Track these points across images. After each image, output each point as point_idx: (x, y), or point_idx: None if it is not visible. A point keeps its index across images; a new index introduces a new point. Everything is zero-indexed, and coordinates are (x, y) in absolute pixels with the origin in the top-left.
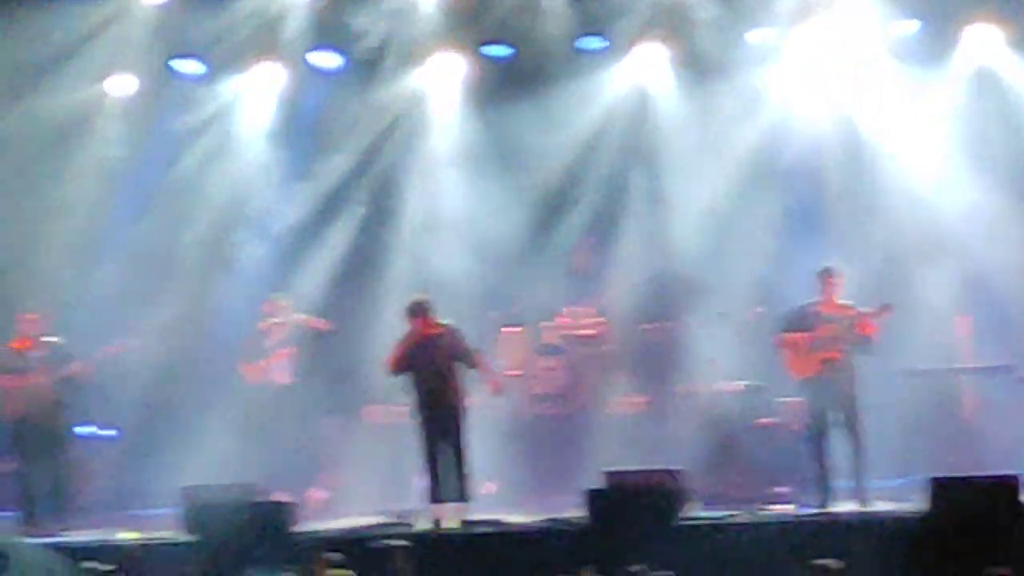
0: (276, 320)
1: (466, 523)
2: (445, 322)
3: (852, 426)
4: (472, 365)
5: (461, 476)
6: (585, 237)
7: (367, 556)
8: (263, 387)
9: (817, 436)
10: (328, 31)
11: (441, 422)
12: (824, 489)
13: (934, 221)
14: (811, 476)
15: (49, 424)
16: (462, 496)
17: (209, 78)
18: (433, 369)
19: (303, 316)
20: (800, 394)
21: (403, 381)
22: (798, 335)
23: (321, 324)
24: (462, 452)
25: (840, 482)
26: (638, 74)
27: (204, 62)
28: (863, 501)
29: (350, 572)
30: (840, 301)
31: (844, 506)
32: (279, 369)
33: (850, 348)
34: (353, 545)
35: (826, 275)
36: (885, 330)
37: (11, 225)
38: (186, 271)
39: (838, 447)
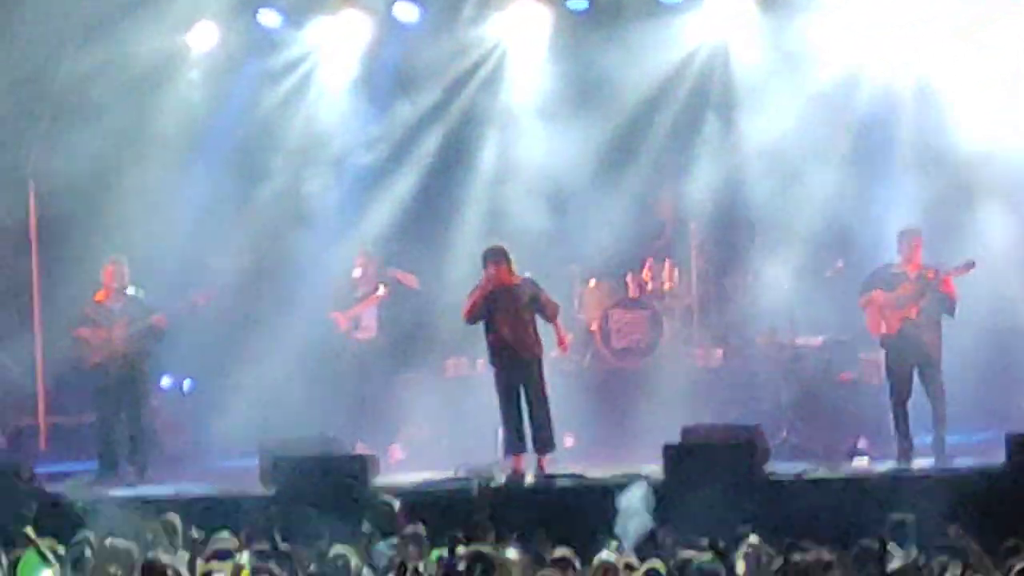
0: (367, 270)
1: (544, 476)
2: (523, 274)
3: (931, 383)
4: (550, 318)
5: (540, 427)
6: (667, 186)
7: (445, 509)
8: (346, 339)
9: (897, 392)
10: None
11: (519, 372)
12: (904, 444)
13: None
14: (891, 431)
15: (129, 375)
16: (542, 447)
17: (291, 27)
18: (511, 318)
19: (395, 271)
20: (881, 350)
21: (480, 329)
22: (880, 293)
23: (411, 280)
24: (541, 403)
25: (919, 437)
26: (715, 20)
27: (283, 12)
28: (941, 456)
29: None
30: (922, 262)
31: (922, 461)
32: (368, 319)
33: (931, 306)
34: (431, 498)
35: (908, 236)
36: (967, 287)
37: (94, 174)
38: (265, 219)
39: (918, 403)
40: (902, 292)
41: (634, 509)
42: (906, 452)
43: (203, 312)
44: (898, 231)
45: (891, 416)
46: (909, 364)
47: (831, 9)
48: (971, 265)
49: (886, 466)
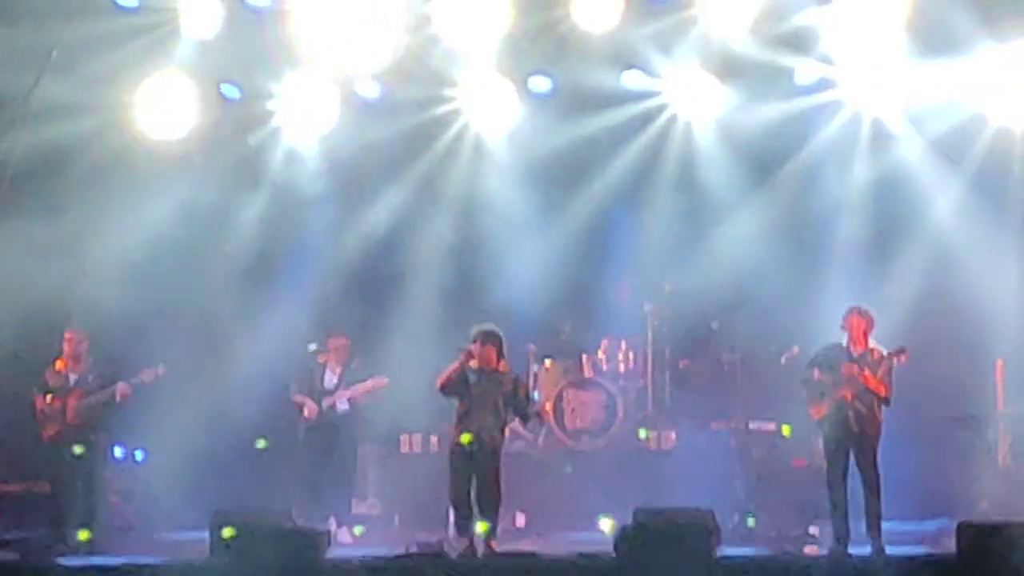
0: (333, 355)
1: (495, 555)
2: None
3: (867, 467)
4: (523, 417)
5: (493, 508)
6: (625, 273)
7: None
8: (310, 416)
9: (831, 475)
10: None
11: (480, 455)
12: (840, 529)
13: None
14: (830, 516)
15: (83, 445)
16: (492, 528)
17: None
18: (486, 403)
19: (364, 384)
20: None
21: (449, 402)
22: (820, 374)
23: (379, 383)
24: (493, 494)
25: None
26: (679, 106)
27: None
28: (877, 543)
29: None
30: (870, 342)
31: (863, 547)
32: (340, 404)
33: (868, 391)
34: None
35: (852, 314)
36: (918, 371)
37: (65, 246)
38: (230, 294)
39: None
40: (842, 372)
41: None
42: (842, 538)
43: (161, 385)
44: (844, 309)
45: (829, 501)
46: (844, 447)
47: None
48: (902, 352)
49: (833, 553)
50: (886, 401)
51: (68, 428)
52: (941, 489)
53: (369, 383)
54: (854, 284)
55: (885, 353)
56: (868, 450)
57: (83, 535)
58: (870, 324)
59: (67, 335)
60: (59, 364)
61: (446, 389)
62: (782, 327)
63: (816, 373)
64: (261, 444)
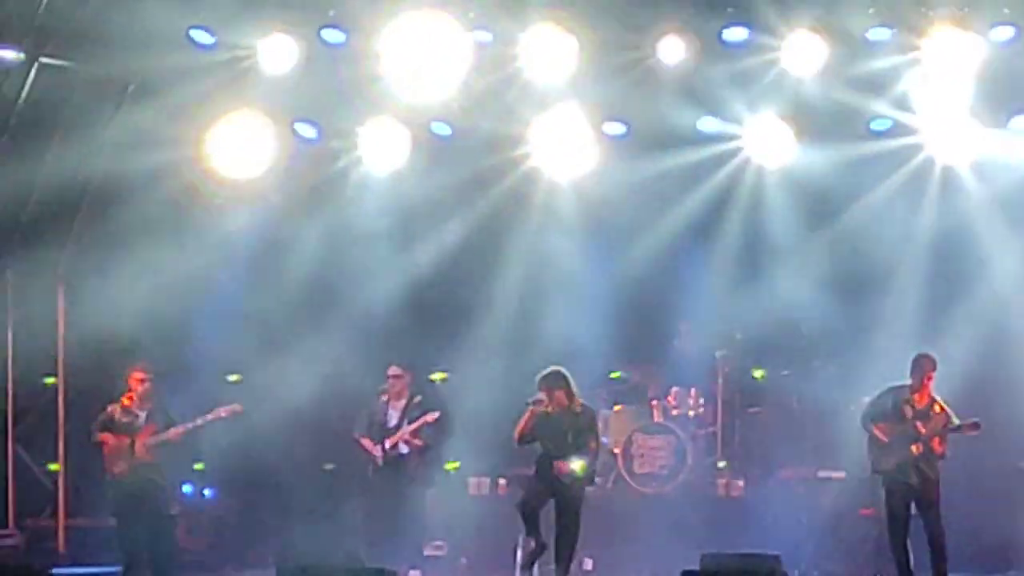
0: (394, 390)
1: None
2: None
3: (931, 523)
4: (589, 451)
5: (570, 545)
6: (687, 320)
7: None
8: (376, 457)
9: (895, 528)
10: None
11: (559, 495)
12: None
13: None
14: (896, 567)
15: (150, 483)
16: (564, 571)
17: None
18: (570, 443)
19: (416, 423)
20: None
21: (504, 449)
22: (883, 426)
23: (429, 419)
24: (577, 522)
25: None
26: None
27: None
28: None
29: None
30: (932, 395)
31: None
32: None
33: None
34: None
35: (920, 363)
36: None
37: (137, 276)
38: (298, 332)
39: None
40: (907, 428)
41: None
42: None
43: (231, 424)
44: (912, 357)
45: (892, 552)
46: (907, 501)
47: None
48: (975, 426)
49: None
50: (942, 457)
51: (137, 465)
52: (1005, 541)
53: (421, 420)
54: (916, 332)
55: (956, 422)
56: (931, 505)
57: None
58: (935, 371)
59: (136, 373)
60: (126, 400)
61: (523, 440)
62: (851, 375)
63: (874, 429)
64: None
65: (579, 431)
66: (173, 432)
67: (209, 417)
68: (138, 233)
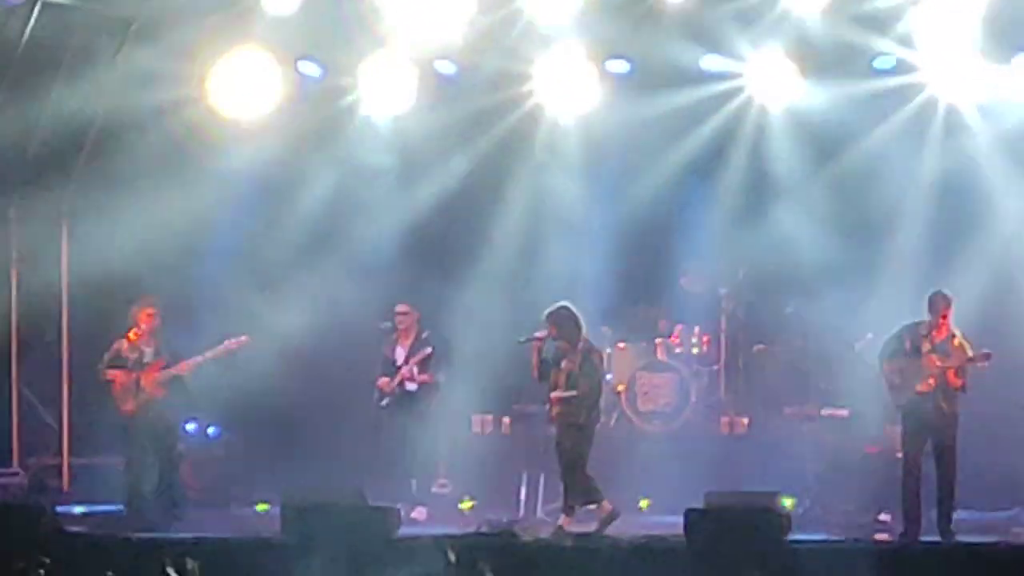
0: (402, 327)
1: (565, 536)
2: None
3: (945, 458)
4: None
5: (573, 489)
6: (693, 262)
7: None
8: (379, 395)
9: (909, 464)
10: None
11: (567, 434)
12: (913, 516)
13: None
14: (901, 503)
15: (158, 420)
16: (567, 509)
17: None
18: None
19: (416, 357)
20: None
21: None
22: (899, 362)
23: (424, 354)
24: (578, 466)
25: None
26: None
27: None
28: (947, 532)
29: None
30: (952, 330)
31: (933, 536)
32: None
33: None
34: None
35: (937, 301)
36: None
37: (128, 213)
38: (301, 270)
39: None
40: (923, 363)
41: None
42: (913, 525)
43: (237, 359)
44: (928, 295)
45: (903, 489)
46: (923, 437)
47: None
48: (987, 356)
49: (908, 540)
50: (962, 390)
51: (147, 401)
52: (1014, 478)
53: (420, 354)
54: (920, 270)
55: (969, 353)
56: (948, 440)
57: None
58: (951, 308)
59: (146, 308)
60: (132, 336)
61: (541, 377)
62: (855, 313)
63: (887, 367)
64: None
65: (571, 371)
66: (182, 366)
67: (219, 350)
68: (141, 172)
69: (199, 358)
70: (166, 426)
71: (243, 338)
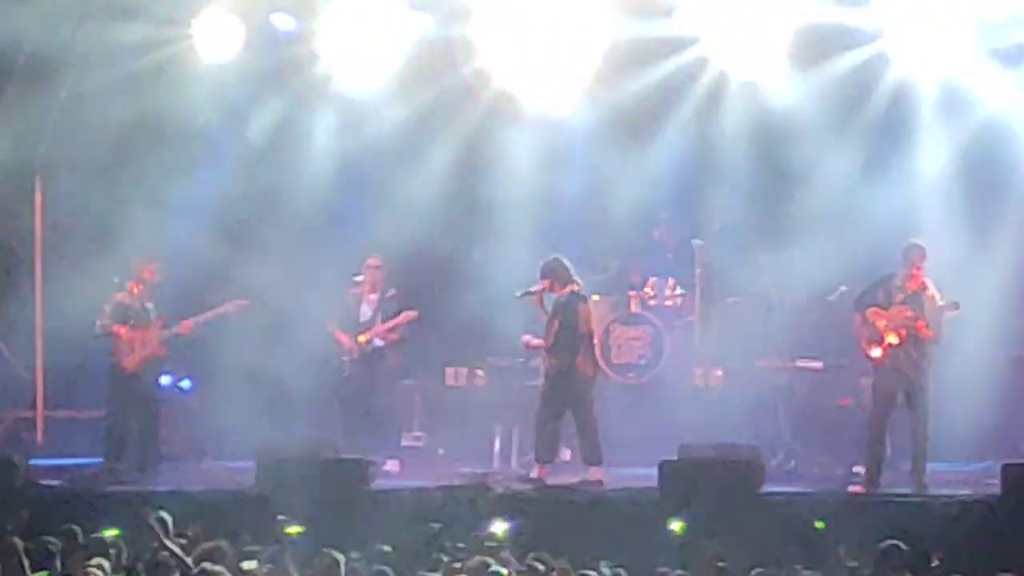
0: (371, 281)
1: (541, 487)
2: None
3: (918, 410)
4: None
5: (551, 438)
6: (666, 213)
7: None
8: (350, 351)
9: (878, 416)
10: None
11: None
12: (875, 466)
13: None
14: (866, 451)
15: (146, 376)
16: (543, 458)
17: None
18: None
19: (394, 320)
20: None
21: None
22: (872, 312)
23: (409, 317)
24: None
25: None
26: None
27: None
28: (920, 484)
29: None
30: (925, 280)
31: (906, 488)
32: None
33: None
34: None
35: (910, 252)
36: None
37: (103, 167)
38: (284, 232)
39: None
40: (895, 314)
41: None
42: (874, 474)
43: (225, 319)
44: (902, 246)
45: (872, 441)
46: (894, 389)
47: None
48: (955, 307)
49: (879, 492)
50: (935, 342)
51: (148, 358)
52: (987, 431)
53: (401, 317)
54: (897, 222)
55: (940, 302)
56: (919, 392)
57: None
58: (925, 259)
59: (151, 264)
60: (136, 290)
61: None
62: (828, 264)
63: (858, 319)
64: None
65: (552, 323)
66: (184, 325)
67: (220, 311)
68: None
69: (200, 317)
70: (151, 381)
71: (242, 301)
